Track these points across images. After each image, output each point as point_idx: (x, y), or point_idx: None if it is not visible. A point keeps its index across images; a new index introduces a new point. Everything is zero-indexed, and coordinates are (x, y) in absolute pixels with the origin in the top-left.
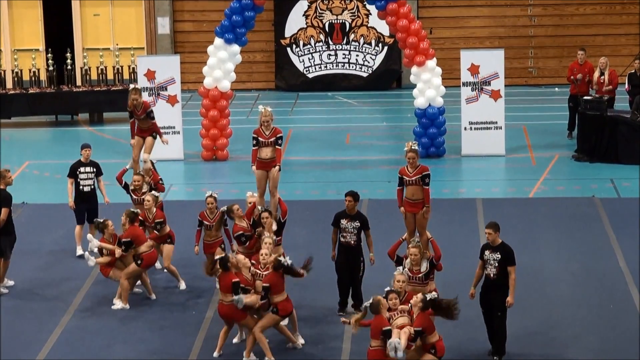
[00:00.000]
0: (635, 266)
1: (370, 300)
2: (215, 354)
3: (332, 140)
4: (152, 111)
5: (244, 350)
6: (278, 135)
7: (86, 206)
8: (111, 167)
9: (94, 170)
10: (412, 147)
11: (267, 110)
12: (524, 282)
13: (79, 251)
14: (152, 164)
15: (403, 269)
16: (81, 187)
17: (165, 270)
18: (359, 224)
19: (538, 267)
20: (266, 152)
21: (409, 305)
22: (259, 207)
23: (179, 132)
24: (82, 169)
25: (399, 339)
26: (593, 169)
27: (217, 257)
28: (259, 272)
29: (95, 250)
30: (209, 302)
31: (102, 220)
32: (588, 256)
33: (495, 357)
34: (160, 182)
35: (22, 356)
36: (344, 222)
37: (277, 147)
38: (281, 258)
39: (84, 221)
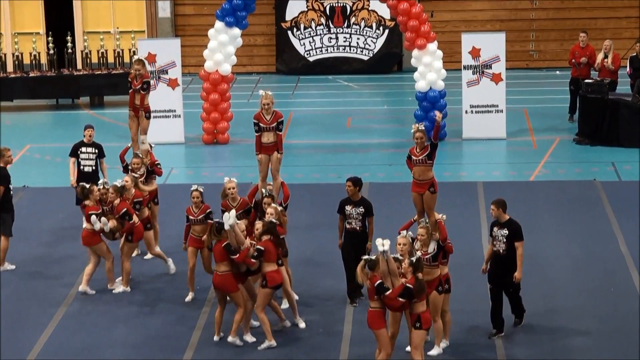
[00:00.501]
0: (636, 250)
1: (372, 257)
2: (216, 338)
3: (333, 124)
4: (147, 83)
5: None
6: (279, 120)
7: None
8: (112, 150)
9: (96, 151)
10: (419, 128)
11: (268, 94)
12: (525, 265)
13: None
14: (151, 147)
15: (406, 233)
16: (82, 167)
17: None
18: (363, 209)
19: (539, 250)
20: (268, 137)
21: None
22: (263, 190)
23: (179, 116)
24: (83, 149)
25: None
26: (594, 152)
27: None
28: (255, 242)
29: (107, 226)
30: (209, 285)
31: (87, 186)
32: (589, 239)
33: (516, 319)
34: (157, 165)
35: (24, 339)
36: (348, 208)
37: (277, 132)
38: (273, 219)
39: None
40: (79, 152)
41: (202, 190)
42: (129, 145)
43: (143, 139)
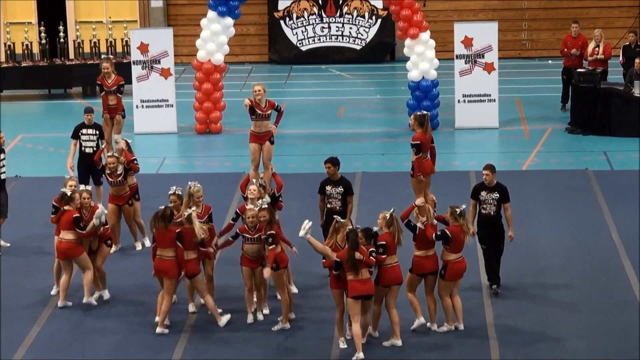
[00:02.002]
0: (628, 238)
1: (341, 220)
2: (157, 319)
3: (325, 113)
4: (123, 85)
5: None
6: (276, 106)
7: (87, 166)
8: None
9: (97, 132)
10: (415, 113)
11: (259, 87)
12: (517, 254)
13: None
14: (127, 143)
15: (392, 210)
16: (83, 147)
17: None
18: (342, 189)
19: (531, 240)
20: (260, 127)
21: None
22: (253, 180)
23: (172, 105)
24: (84, 131)
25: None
26: (586, 142)
27: (186, 213)
28: (249, 235)
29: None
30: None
31: (69, 194)
32: (581, 228)
33: (494, 286)
34: (134, 161)
35: (16, 331)
36: (328, 188)
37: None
38: (263, 204)
39: (87, 182)
40: (80, 133)
41: (179, 193)
42: (102, 147)
43: (117, 139)
